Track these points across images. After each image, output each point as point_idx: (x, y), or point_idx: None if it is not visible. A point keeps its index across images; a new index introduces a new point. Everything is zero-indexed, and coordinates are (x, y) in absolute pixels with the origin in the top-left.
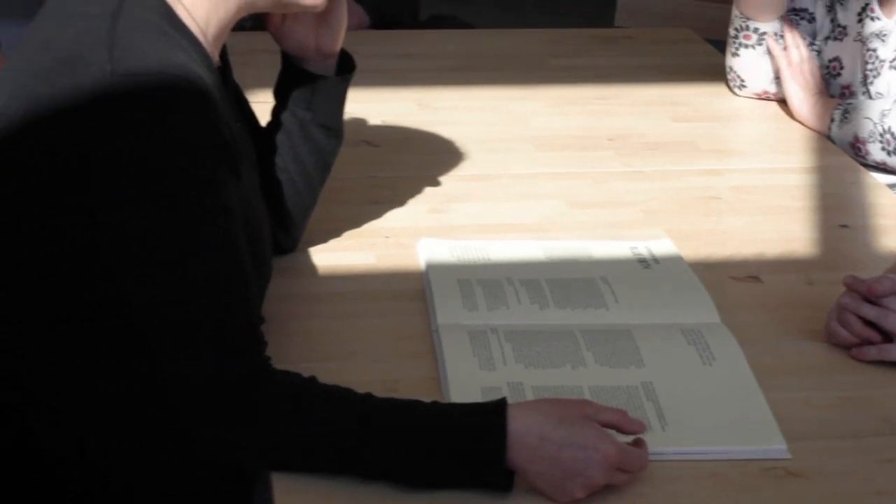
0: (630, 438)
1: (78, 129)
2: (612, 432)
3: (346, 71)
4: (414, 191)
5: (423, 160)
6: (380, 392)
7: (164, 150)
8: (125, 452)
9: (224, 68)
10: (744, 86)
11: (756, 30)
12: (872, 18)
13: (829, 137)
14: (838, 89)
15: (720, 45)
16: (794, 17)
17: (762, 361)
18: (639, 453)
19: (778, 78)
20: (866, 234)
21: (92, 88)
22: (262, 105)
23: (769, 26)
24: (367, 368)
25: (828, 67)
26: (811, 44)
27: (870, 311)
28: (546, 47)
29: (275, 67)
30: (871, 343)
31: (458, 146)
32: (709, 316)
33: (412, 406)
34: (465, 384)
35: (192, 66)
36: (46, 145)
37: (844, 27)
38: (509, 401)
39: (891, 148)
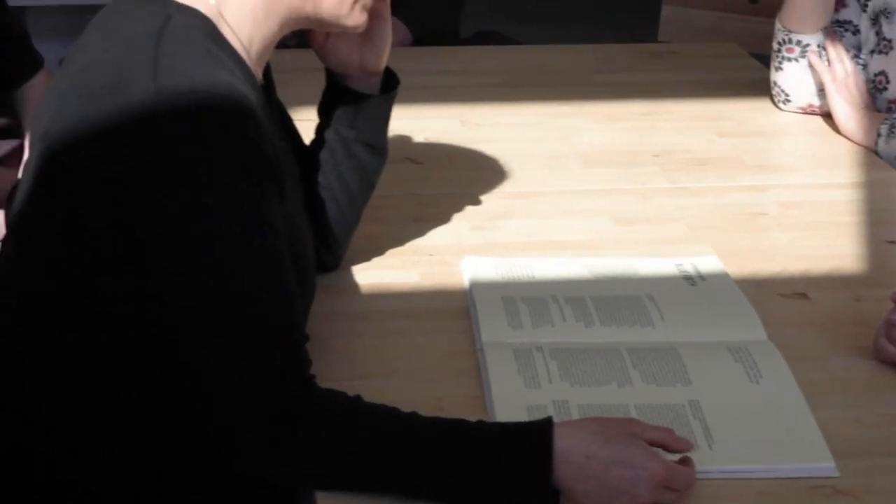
0: (677, 457)
1: (121, 148)
2: (659, 450)
3: (390, 88)
4: (457, 208)
5: (466, 177)
6: (424, 411)
7: (208, 167)
8: (167, 471)
9: (268, 86)
10: (788, 100)
11: (799, 42)
12: None
13: (875, 152)
14: (885, 104)
15: (765, 59)
16: (838, 28)
17: (809, 379)
18: (686, 471)
19: (822, 90)
20: None
21: (136, 108)
22: (306, 123)
23: (812, 38)
24: (412, 387)
25: (873, 81)
26: (856, 56)
27: None
28: (590, 63)
29: (319, 85)
30: None
31: (501, 163)
32: (755, 333)
33: (457, 425)
34: (511, 402)
35: (236, 84)
36: (90, 165)
37: (890, 41)
38: (555, 419)
39: None
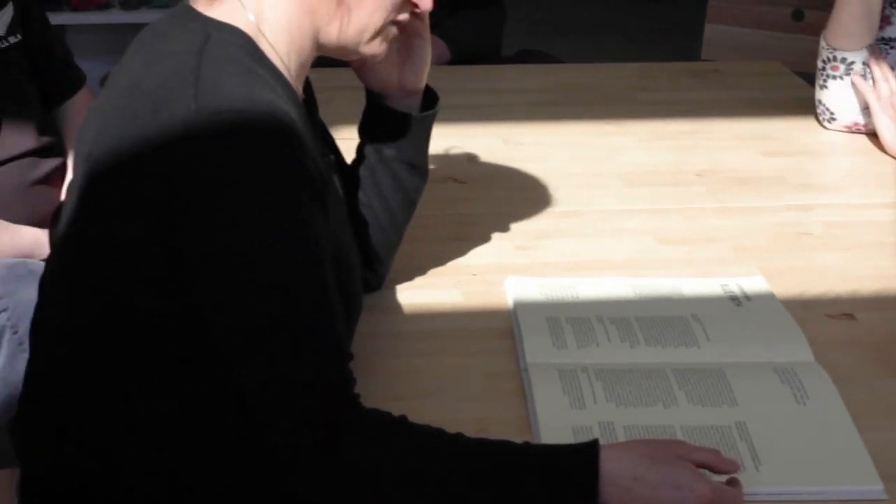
0: (724, 478)
1: (164, 167)
2: (706, 472)
3: (430, 107)
4: (500, 227)
5: (509, 196)
6: (468, 432)
7: (249, 184)
8: (210, 486)
9: (309, 102)
10: (833, 118)
11: (844, 60)
12: None
13: None
14: None
15: (810, 77)
16: (884, 46)
17: (857, 400)
18: (734, 492)
19: (867, 109)
20: None
21: (177, 127)
22: (347, 142)
23: (857, 56)
24: (456, 407)
25: None
26: None
27: None
28: (633, 81)
29: (360, 103)
30: None
31: (544, 182)
32: (802, 354)
33: (503, 447)
34: (556, 424)
35: (277, 101)
36: (133, 184)
37: None
38: (600, 440)
39: None
